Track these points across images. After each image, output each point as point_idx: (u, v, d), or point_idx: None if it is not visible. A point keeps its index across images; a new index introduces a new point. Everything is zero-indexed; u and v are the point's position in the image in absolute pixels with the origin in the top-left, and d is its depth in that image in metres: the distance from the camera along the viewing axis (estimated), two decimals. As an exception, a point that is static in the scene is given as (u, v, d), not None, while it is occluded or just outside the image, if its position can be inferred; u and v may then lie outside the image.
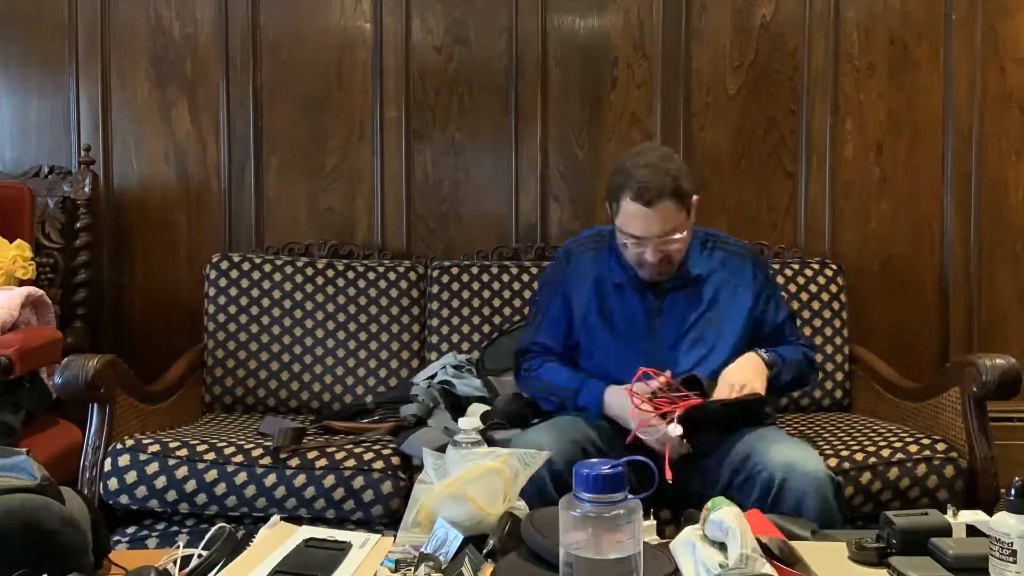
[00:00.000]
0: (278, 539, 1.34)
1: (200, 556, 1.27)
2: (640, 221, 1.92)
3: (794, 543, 1.32)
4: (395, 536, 1.41)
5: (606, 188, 2.01)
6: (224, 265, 2.65)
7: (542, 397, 2.09)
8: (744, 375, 1.91)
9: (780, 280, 2.65)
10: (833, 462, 2.06)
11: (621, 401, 1.90)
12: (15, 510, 1.13)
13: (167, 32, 2.84)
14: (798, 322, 2.60)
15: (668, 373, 1.88)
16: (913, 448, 2.08)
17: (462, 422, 1.52)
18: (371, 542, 1.35)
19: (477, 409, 2.26)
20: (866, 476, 2.04)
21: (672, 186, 1.90)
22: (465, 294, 2.64)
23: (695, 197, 1.99)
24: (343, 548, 1.31)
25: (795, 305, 2.62)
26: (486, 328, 2.61)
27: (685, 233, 1.96)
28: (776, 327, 2.10)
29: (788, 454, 1.78)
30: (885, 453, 2.07)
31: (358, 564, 1.27)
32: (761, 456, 1.80)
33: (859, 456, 2.07)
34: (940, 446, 2.08)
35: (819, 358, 2.60)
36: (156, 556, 1.30)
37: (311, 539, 1.34)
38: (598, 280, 2.07)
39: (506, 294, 2.65)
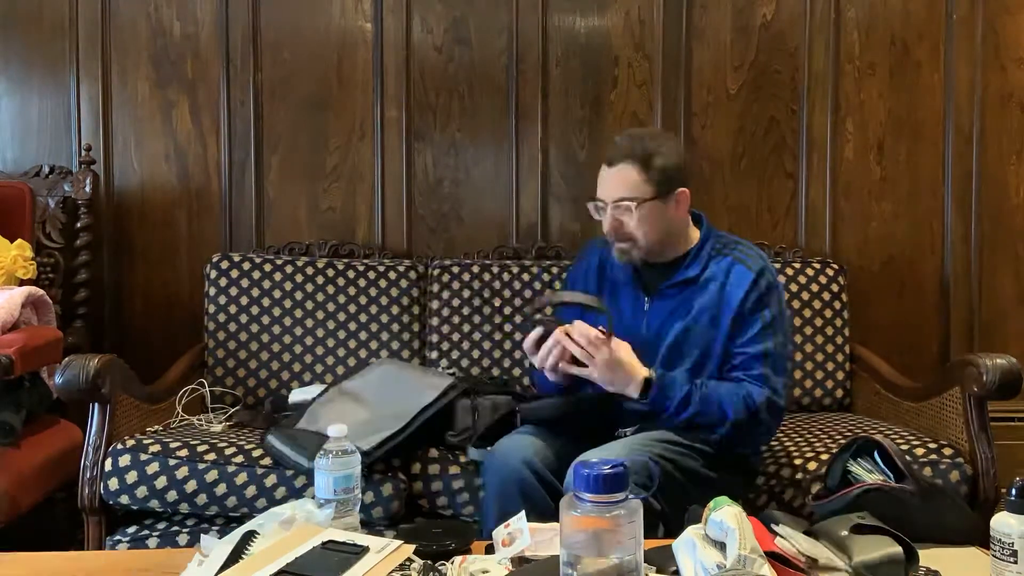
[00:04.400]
0: (300, 538, 1.33)
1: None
2: (601, 182, 1.93)
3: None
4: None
5: None
6: (224, 265, 2.65)
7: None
8: (617, 367, 1.80)
9: (781, 280, 2.64)
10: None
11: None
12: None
13: (168, 32, 2.84)
14: (799, 334, 2.60)
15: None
16: (919, 451, 2.08)
17: (331, 430, 1.47)
18: (389, 548, 1.33)
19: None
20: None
21: (640, 152, 1.87)
22: (466, 293, 2.64)
23: (681, 189, 1.92)
24: (359, 552, 1.29)
25: (796, 304, 2.62)
26: (487, 328, 2.61)
27: (646, 209, 1.88)
28: (741, 348, 1.89)
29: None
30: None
31: (366, 571, 1.26)
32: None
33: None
34: (947, 451, 2.08)
35: (820, 358, 2.60)
36: (157, 556, 1.30)
37: (330, 541, 1.33)
38: (602, 273, 2.07)
39: (506, 294, 2.65)
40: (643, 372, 1.83)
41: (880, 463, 1.54)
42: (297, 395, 2.40)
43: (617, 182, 1.89)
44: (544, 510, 1.68)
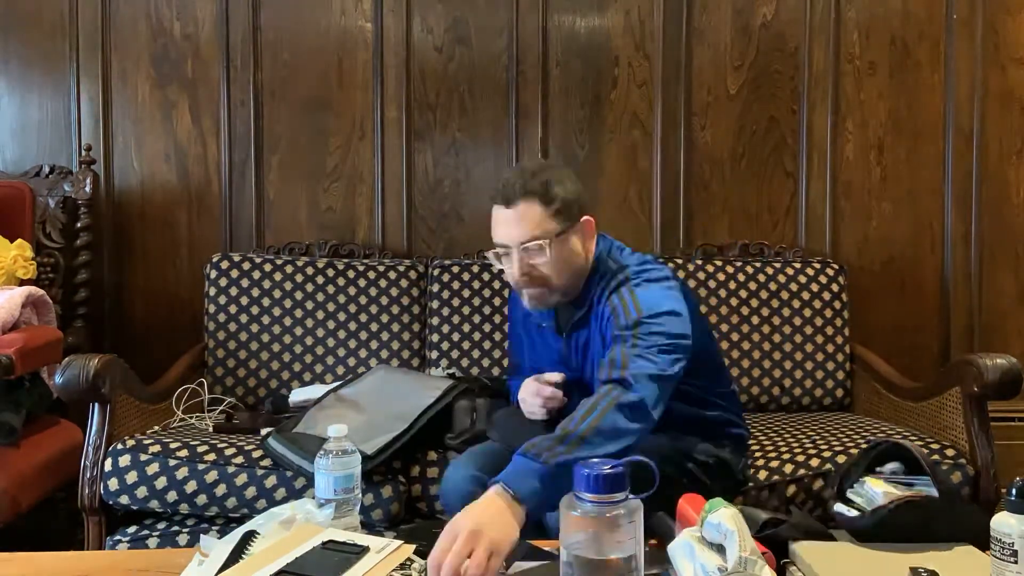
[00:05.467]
0: (300, 538, 1.33)
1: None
2: (501, 225, 1.73)
3: None
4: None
5: None
6: (225, 265, 2.65)
7: None
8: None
9: (781, 279, 2.65)
10: (841, 459, 2.06)
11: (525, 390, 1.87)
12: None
13: (168, 32, 2.84)
14: (799, 334, 2.60)
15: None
16: (922, 451, 2.08)
17: (331, 430, 1.46)
18: (389, 548, 1.33)
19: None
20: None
21: (536, 185, 1.69)
22: (466, 293, 2.64)
23: (585, 218, 1.75)
24: (359, 552, 1.29)
25: (796, 304, 2.62)
26: (487, 328, 2.61)
27: (556, 247, 1.69)
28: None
29: None
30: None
31: (366, 571, 1.26)
32: None
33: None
34: (947, 451, 2.08)
35: (820, 358, 2.60)
36: (157, 556, 1.30)
37: (330, 541, 1.32)
38: (527, 319, 1.94)
39: (507, 293, 2.64)
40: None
41: (895, 470, 1.52)
42: (297, 395, 2.40)
43: (519, 222, 1.70)
44: None
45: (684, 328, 1.66)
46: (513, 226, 1.71)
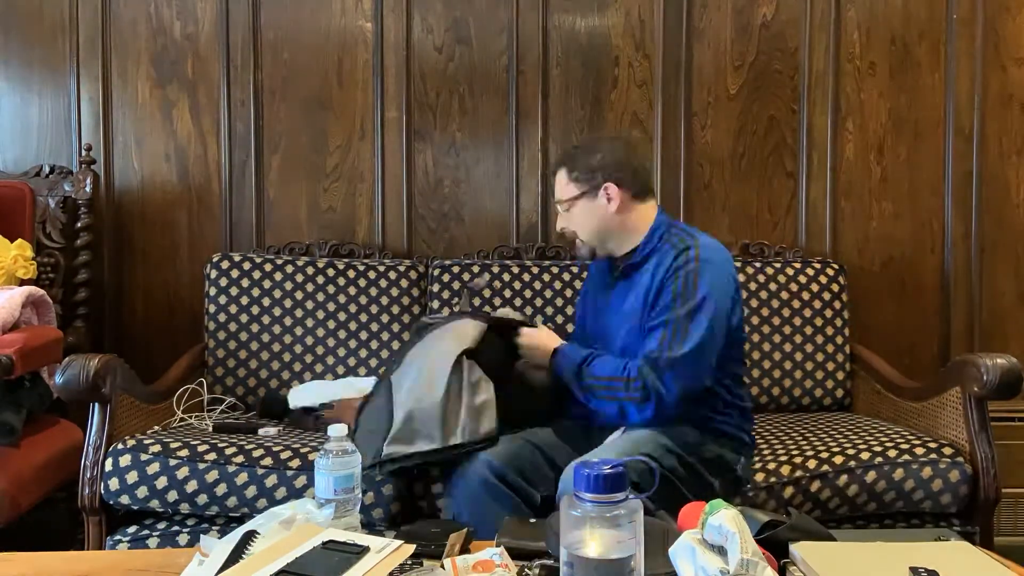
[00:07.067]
0: (300, 538, 1.33)
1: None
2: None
3: None
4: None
5: None
6: (225, 265, 2.65)
7: None
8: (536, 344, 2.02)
9: (781, 279, 2.65)
10: (839, 459, 2.07)
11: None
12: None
13: (168, 32, 2.84)
14: (799, 334, 2.60)
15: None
16: (920, 451, 2.09)
17: (331, 429, 1.47)
18: (390, 548, 1.33)
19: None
20: (871, 475, 2.05)
21: (567, 156, 2.01)
22: (466, 294, 2.64)
23: (607, 184, 1.94)
24: (360, 552, 1.29)
25: (796, 304, 2.62)
26: (487, 328, 2.61)
27: (574, 208, 1.98)
28: (648, 323, 1.88)
29: None
30: (892, 454, 2.08)
31: (366, 571, 1.26)
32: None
33: (865, 455, 2.08)
34: (947, 450, 2.09)
35: (820, 358, 2.60)
36: (157, 556, 1.30)
37: (330, 541, 1.32)
38: (597, 278, 2.15)
39: (507, 293, 2.65)
40: (554, 344, 2.01)
41: None
42: (296, 395, 2.40)
43: (556, 188, 2.02)
44: (512, 508, 1.77)
45: (722, 338, 1.88)
46: (555, 191, 2.04)
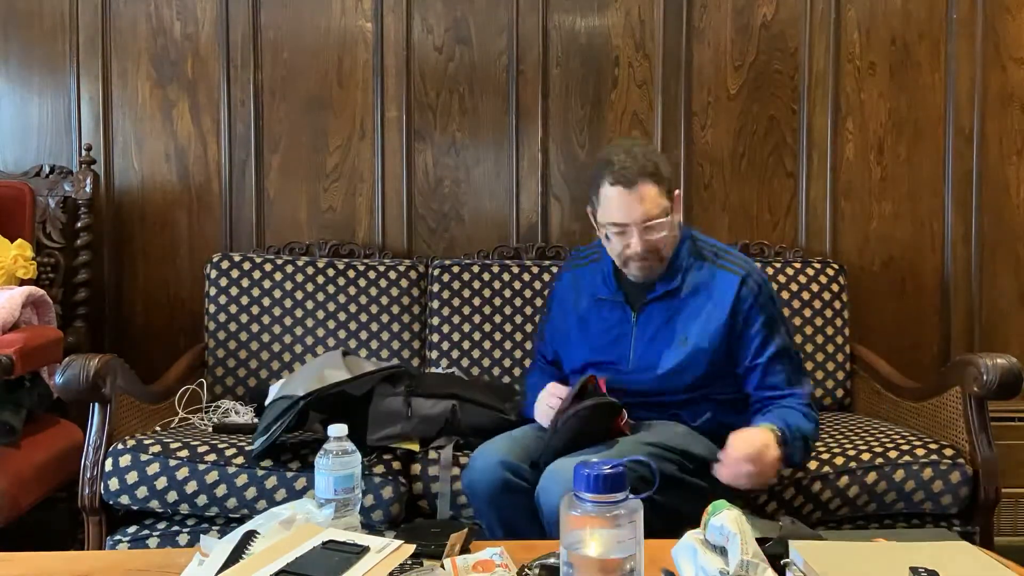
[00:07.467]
0: (300, 538, 1.33)
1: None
2: (622, 205, 1.86)
3: None
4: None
5: (588, 186, 1.97)
6: (225, 264, 2.65)
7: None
8: (749, 449, 1.73)
9: (781, 279, 2.65)
10: (840, 460, 2.07)
11: (540, 406, 1.95)
12: None
13: (168, 32, 2.84)
14: (799, 334, 2.60)
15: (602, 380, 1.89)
16: (920, 452, 2.09)
17: (331, 429, 1.46)
18: (390, 548, 1.33)
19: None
20: (872, 476, 2.05)
21: (651, 168, 1.86)
22: (466, 293, 2.64)
23: (677, 192, 1.93)
24: (360, 552, 1.29)
25: (796, 304, 2.62)
26: (487, 327, 2.61)
27: (668, 222, 1.88)
28: (754, 359, 1.91)
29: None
30: (892, 455, 2.08)
31: (366, 571, 1.26)
32: None
33: (865, 456, 2.08)
34: (947, 452, 2.09)
35: (820, 358, 2.60)
36: (157, 556, 1.30)
37: (330, 541, 1.33)
38: (585, 294, 2.06)
39: (507, 293, 2.65)
40: (775, 450, 1.76)
41: None
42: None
43: (641, 203, 1.85)
44: (530, 503, 1.76)
45: None
46: (635, 206, 1.85)
